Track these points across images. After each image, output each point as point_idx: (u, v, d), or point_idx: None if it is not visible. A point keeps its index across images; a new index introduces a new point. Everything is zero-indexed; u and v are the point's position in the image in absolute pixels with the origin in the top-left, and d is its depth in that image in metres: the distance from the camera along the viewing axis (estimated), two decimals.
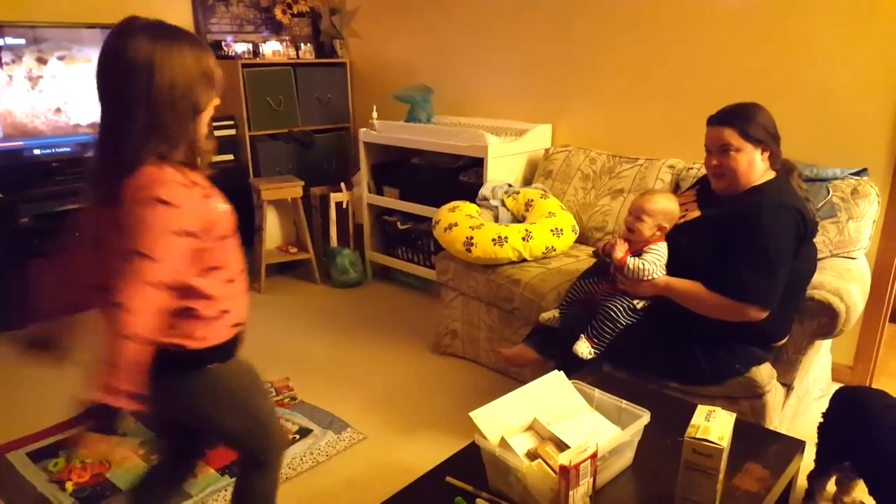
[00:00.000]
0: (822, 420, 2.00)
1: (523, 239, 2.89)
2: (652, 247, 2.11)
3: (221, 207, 1.42)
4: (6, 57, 3.43)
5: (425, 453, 2.35)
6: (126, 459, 2.35)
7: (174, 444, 1.73)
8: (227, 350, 1.45)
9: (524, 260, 2.92)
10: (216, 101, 1.38)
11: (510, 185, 3.40)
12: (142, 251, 1.19)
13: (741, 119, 2.01)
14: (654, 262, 2.08)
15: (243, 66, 4.09)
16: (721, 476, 1.25)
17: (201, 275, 1.36)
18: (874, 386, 2.81)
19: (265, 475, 1.64)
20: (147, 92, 1.23)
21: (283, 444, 1.68)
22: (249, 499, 1.67)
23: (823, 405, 2.02)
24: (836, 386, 2.78)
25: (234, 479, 2.23)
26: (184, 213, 1.24)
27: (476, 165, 3.56)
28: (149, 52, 1.23)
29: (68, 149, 3.70)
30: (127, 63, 1.22)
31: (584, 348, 2.12)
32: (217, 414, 1.49)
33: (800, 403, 2.38)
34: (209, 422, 1.52)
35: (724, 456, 1.23)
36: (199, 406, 1.47)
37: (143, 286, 1.19)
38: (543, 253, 2.94)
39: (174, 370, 1.39)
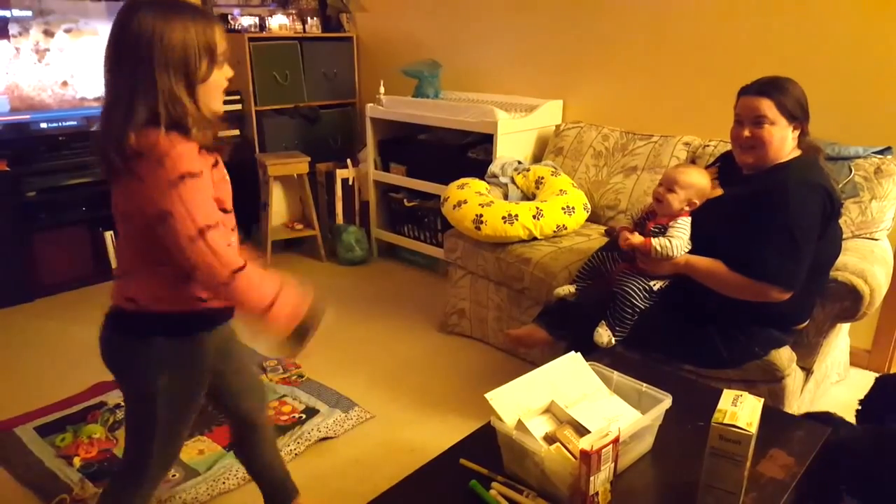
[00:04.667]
0: (859, 408, 1.94)
1: (534, 217, 2.84)
2: (679, 222, 2.04)
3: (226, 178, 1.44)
4: (13, 29, 3.36)
5: (433, 433, 2.32)
6: None
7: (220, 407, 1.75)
8: (211, 319, 1.47)
9: (534, 238, 2.87)
10: (227, 73, 1.39)
11: (520, 163, 3.34)
12: (171, 212, 1.24)
13: (779, 91, 1.93)
14: (680, 239, 2.02)
15: (250, 39, 4.02)
16: (748, 463, 1.20)
17: None
18: (892, 371, 2.77)
19: (139, 493, 1.54)
20: (148, 61, 1.26)
21: (169, 466, 1.60)
22: None
23: (841, 390, 1.98)
24: (855, 370, 2.78)
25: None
26: (189, 157, 1.28)
27: (485, 142, 3.50)
28: (151, 25, 1.26)
29: (75, 122, 3.66)
30: (130, 36, 1.26)
31: (604, 336, 2.07)
32: (159, 391, 1.43)
33: (818, 388, 2.34)
34: (145, 394, 1.45)
35: (753, 443, 1.19)
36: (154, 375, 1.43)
37: (200, 243, 1.26)
38: (554, 231, 2.89)
39: (165, 332, 1.41)
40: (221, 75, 1.38)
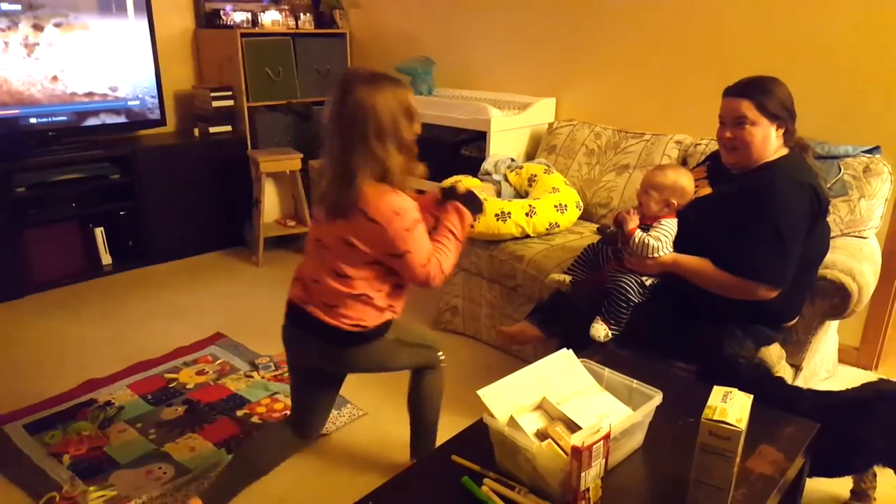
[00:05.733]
0: None
1: (527, 215, 2.85)
2: (661, 223, 2.06)
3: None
4: (2, 23, 3.34)
5: None
6: None
7: (307, 397, 1.96)
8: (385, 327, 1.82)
9: (527, 236, 2.87)
10: (417, 130, 1.74)
11: (513, 160, 3.35)
12: (410, 250, 1.66)
13: (759, 92, 1.95)
14: (659, 240, 2.03)
15: (242, 35, 4.00)
16: (737, 459, 1.21)
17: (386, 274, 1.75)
18: (880, 368, 2.80)
19: (436, 374, 2.02)
20: (365, 131, 1.61)
21: (438, 346, 2.04)
22: (425, 394, 2.03)
23: (829, 387, 2.00)
24: (843, 367, 2.80)
25: (231, 454, 2.23)
26: (413, 208, 1.67)
27: (478, 139, 3.50)
28: (366, 100, 1.61)
29: (65, 117, 3.63)
30: (349, 110, 1.62)
31: (600, 331, 2.08)
32: (390, 361, 1.89)
33: (806, 385, 2.36)
34: (385, 367, 1.91)
35: (742, 439, 1.20)
36: (379, 364, 1.87)
37: (421, 267, 1.69)
38: (547, 229, 2.90)
39: (353, 344, 1.77)
40: (412, 132, 1.72)
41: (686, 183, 2.09)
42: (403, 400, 2.09)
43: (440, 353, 2.03)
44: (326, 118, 1.68)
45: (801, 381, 2.29)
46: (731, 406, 1.24)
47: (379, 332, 1.79)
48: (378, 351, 1.81)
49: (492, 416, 1.38)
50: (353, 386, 2.65)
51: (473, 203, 1.85)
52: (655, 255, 2.03)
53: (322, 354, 1.81)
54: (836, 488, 2.03)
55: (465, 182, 1.75)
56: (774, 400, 1.62)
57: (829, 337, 2.57)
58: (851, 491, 2.01)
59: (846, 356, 2.82)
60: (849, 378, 2.70)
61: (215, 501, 1.86)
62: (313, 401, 1.96)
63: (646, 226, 2.08)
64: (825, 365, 2.63)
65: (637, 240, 2.03)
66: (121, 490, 2.08)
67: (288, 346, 1.91)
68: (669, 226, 2.07)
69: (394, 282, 1.77)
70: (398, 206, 1.63)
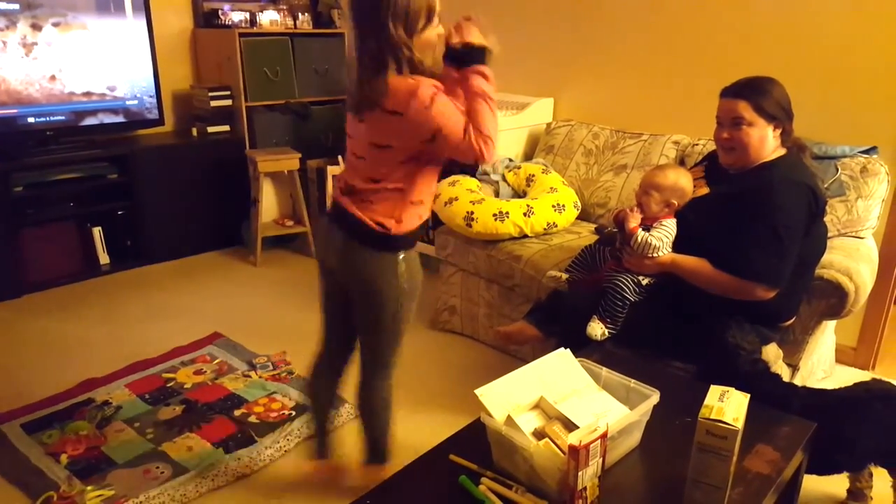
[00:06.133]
0: None
1: (524, 214, 2.85)
2: (662, 223, 2.06)
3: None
4: (0, 23, 3.33)
5: (423, 430, 2.33)
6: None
7: (336, 330, 1.95)
8: (412, 239, 1.76)
9: (525, 236, 2.88)
10: (440, 31, 1.64)
11: (511, 160, 3.35)
12: (440, 127, 1.55)
13: (756, 92, 1.95)
14: (660, 240, 2.03)
15: (240, 35, 3.99)
16: (734, 458, 1.22)
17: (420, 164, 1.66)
18: (877, 368, 2.81)
19: (386, 377, 1.89)
20: (385, 17, 1.53)
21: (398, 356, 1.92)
22: (375, 397, 1.90)
23: (827, 386, 2.00)
24: (840, 367, 2.80)
25: (229, 454, 2.23)
26: (427, 84, 1.55)
27: None
28: None
29: (63, 117, 3.63)
30: None
31: (597, 329, 2.08)
32: (388, 299, 1.76)
33: (804, 384, 2.36)
34: (376, 303, 1.77)
35: (739, 438, 1.20)
36: (379, 284, 1.74)
37: (461, 141, 1.56)
38: (545, 229, 2.90)
39: (372, 245, 1.71)
40: (433, 31, 1.62)
41: (686, 183, 2.09)
42: (402, 399, 2.08)
43: (390, 376, 1.92)
44: (349, 6, 1.62)
45: (799, 381, 2.29)
46: (727, 405, 1.24)
47: (400, 243, 1.73)
48: (386, 269, 1.74)
49: (489, 415, 1.39)
50: (351, 385, 2.65)
51: (483, 53, 1.68)
52: (655, 254, 2.04)
53: (340, 252, 1.76)
54: (832, 488, 2.04)
55: (463, 35, 1.63)
56: (768, 396, 1.62)
57: (827, 337, 2.57)
58: (848, 490, 2.02)
59: (843, 356, 2.83)
60: (846, 378, 2.69)
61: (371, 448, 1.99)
62: (335, 325, 1.96)
63: (646, 226, 2.08)
64: (822, 365, 2.64)
65: (640, 239, 2.03)
66: (118, 489, 2.08)
67: (320, 251, 1.87)
68: (670, 226, 2.07)
69: (428, 170, 1.70)
70: (411, 87, 1.54)
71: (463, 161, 1.63)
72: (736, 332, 1.94)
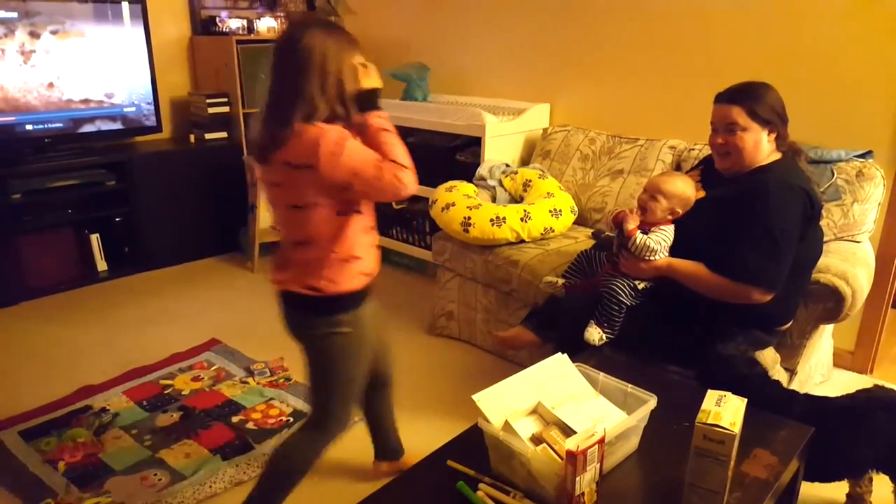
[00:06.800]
0: None
1: (521, 220, 2.85)
2: (661, 228, 2.06)
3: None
4: None
5: (421, 436, 2.32)
6: None
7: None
8: (356, 299, 1.69)
9: (522, 241, 2.88)
10: (362, 84, 1.60)
11: (508, 165, 3.36)
12: (352, 172, 1.51)
13: (750, 98, 1.96)
14: (659, 243, 2.04)
15: (237, 42, 4.01)
16: (732, 463, 1.22)
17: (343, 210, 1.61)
18: (875, 372, 2.81)
19: (318, 438, 1.79)
20: (308, 71, 1.52)
21: (346, 422, 1.83)
22: (294, 451, 1.79)
23: (824, 391, 2.01)
24: (838, 371, 2.81)
25: (227, 460, 2.22)
26: (332, 129, 1.52)
27: (473, 145, 3.51)
28: (315, 42, 1.52)
29: (61, 124, 3.63)
30: (299, 50, 1.52)
31: (594, 334, 2.08)
32: (330, 361, 1.71)
33: (802, 389, 2.36)
34: (321, 365, 1.73)
35: (736, 442, 1.20)
36: (320, 350, 1.71)
37: (377, 180, 1.52)
38: (542, 234, 2.90)
39: (308, 311, 1.67)
40: (363, 81, 1.60)
41: (690, 194, 2.09)
42: (399, 404, 2.09)
43: (328, 436, 1.79)
44: (272, 56, 1.57)
45: (797, 385, 2.29)
46: (725, 410, 1.24)
47: (338, 305, 1.66)
48: (326, 334, 1.67)
49: (487, 420, 1.39)
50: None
51: (374, 96, 1.64)
52: (653, 257, 2.04)
53: (286, 322, 1.74)
54: (831, 493, 2.04)
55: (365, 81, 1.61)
56: (767, 400, 1.62)
57: (824, 341, 2.58)
58: (847, 495, 2.02)
59: (841, 360, 2.83)
60: (843, 382, 2.71)
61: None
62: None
63: (644, 229, 2.08)
64: (820, 369, 2.64)
65: (639, 241, 2.03)
66: (116, 497, 2.07)
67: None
68: (668, 231, 2.08)
69: (355, 222, 1.63)
70: (315, 135, 1.49)
71: (386, 200, 1.61)
72: (724, 343, 1.95)
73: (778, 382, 1.93)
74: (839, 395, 1.87)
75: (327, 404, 1.77)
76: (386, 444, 2.17)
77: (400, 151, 1.57)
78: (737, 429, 1.21)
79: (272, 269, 1.73)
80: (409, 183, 1.55)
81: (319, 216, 1.58)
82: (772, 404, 1.64)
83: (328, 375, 1.74)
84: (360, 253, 1.66)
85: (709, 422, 1.21)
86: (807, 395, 1.87)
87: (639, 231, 2.05)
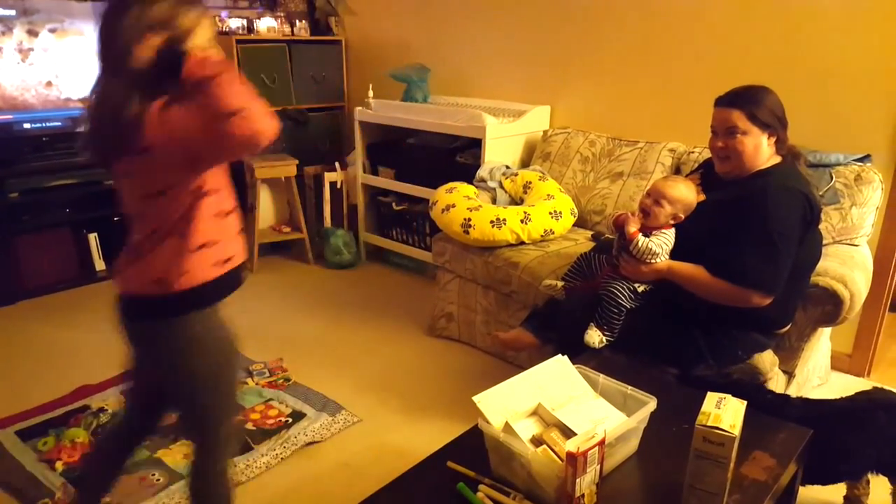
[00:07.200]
0: None
1: (522, 221, 2.86)
2: (663, 231, 2.07)
3: None
4: None
5: (421, 437, 2.33)
6: None
7: (140, 398, 1.72)
8: (209, 292, 1.47)
9: (522, 243, 2.88)
10: (210, 55, 1.36)
11: (508, 167, 3.36)
12: (190, 137, 1.29)
13: (750, 102, 1.97)
14: (660, 246, 2.04)
15: (237, 42, 4.01)
16: (731, 465, 1.22)
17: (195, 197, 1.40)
18: (872, 375, 2.82)
19: (220, 460, 1.62)
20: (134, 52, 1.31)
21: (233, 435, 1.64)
22: (211, 492, 1.65)
23: (822, 394, 2.02)
24: (836, 374, 2.81)
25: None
26: (167, 103, 1.31)
27: (473, 146, 3.51)
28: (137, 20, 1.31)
29: (59, 123, 3.62)
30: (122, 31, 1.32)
31: (594, 337, 2.08)
32: (190, 367, 1.50)
33: (800, 391, 2.37)
34: (178, 375, 1.51)
35: (736, 444, 1.21)
36: (175, 357, 1.49)
37: (223, 132, 1.26)
38: (542, 236, 2.91)
39: (154, 315, 1.46)
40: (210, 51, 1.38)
41: (693, 199, 2.09)
42: (399, 406, 2.08)
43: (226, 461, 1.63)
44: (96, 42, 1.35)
45: (795, 388, 2.30)
46: (724, 412, 1.25)
47: (188, 302, 1.44)
48: (177, 338, 1.47)
49: (487, 422, 1.39)
50: (348, 392, 2.66)
51: (175, 54, 1.34)
52: (654, 260, 2.04)
53: (128, 336, 1.56)
54: (829, 495, 2.04)
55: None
56: (760, 406, 1.62)
57: (822, 344, 2.58)
58: (845, 497, 2.02)
59: (839, 363, 2.84)
60: (841, 385, 2.72)
61: None
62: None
63: (645, 232, 2.09)
64: (818, 372, 2.64)
65: (640, 244, 2.04)
66: (114, 497, 2.06)
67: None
68: (669, 234, 2.08)
69: (207, 204, 1.43)
70: (155, 108, 1.29)
71: (245, 154, 1.40)
72: (696, 366, 1.95)
73: (764, 387, 1.93)
74: (837, 397, 1.88)
75: (214, 400, 1.56)
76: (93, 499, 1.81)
77: (233, 94, 1.27)
78: (736, 431, 1.21)
79: (114, 274, 1.53)
80: (256, 127, 1.27)
81: (174, 198, 1.38)
82: (765, 410, 1.64)
83: (194, 389, 1.53)
84: (220, 238, 1.46)
85: (708, 424, 1.22)
86: (803, 399, 1.88)
87: (640, 234, 2.06)
